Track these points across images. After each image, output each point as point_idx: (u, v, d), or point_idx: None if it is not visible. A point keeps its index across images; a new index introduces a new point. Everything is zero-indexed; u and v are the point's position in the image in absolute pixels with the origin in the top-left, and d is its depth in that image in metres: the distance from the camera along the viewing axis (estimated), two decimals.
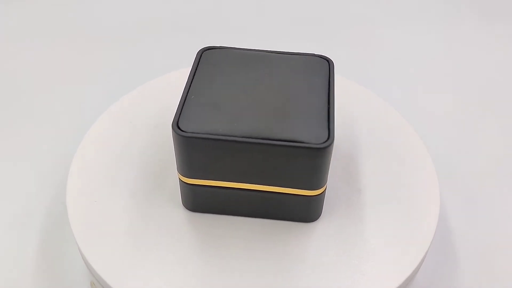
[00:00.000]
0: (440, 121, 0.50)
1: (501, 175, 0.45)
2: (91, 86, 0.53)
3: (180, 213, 0.32)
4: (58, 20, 0.62)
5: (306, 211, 0.31)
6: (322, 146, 0.27)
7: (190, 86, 0.30)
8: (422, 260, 0.30)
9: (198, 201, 0.31)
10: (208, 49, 0.33)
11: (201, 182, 0.30)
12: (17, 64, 0.55)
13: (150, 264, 0.29)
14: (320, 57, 0.33)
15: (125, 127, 0.37)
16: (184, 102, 0.29)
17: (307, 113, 0.29)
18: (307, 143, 0.27)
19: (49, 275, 0.36)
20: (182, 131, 0.28)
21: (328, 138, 0.27)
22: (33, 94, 0.52)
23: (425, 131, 0.43)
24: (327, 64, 0.32)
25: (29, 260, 0.37)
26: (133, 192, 0.33)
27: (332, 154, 0.29)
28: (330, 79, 0.31)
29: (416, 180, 0.34)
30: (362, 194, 0.33)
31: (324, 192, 0.30)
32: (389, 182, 0.34)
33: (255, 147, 0.27)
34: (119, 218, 0.31)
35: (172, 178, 0.34)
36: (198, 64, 0.32)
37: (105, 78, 0.54)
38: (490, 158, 0.46)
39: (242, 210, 0.31)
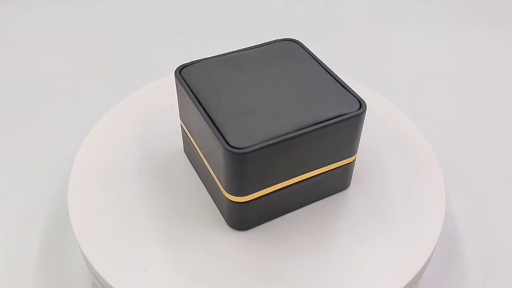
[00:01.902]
0: (446, 121, 0.49)
1: (507, 174, 0.44)
2: (93, 87, 0.53)
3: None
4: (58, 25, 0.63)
5: (343, 180, 0.32)
6: (360, 111, 0.29)
7: (201, 105, 0.28)
8: (428, 261, 0.30)
9: (248, 218, 0.30)
10: (185, 67, 0.31)
11: (254, 195, 0.28)
12: (17, 68, 0.56)
13: (151, 264, 0.29)
14: (287, 40, 0.34)
15: (126, 130, 0.37)
16: (213, 122, 0.27)
17: (326, 90, 0.30)
18: (349, 113, 0.28)
19: (51, 275, 0.36)
20: (238, 148, 0.26)
21: (360, 104, 0.29)
22: (34, 97, 0.52)
23: (431, 131, 0.43)
24: (297, 44, 0.33)
25: (30, 261, 0.37)
26: (128, 191, 0.33)
27: None
28: (314, 56, 0.32)
29: (421, 180, 0.34)
30: (366, 196, 0.33)
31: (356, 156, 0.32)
32: (394, 183, 0.34)
33: (307, 136, 0.27)
34: (119, 219, 0.31)
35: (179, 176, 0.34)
36: (186, 83, 0.30)
37: (108, 79, 0.54)
38: (496, 158, 0.46)
39: (288, 207, 0.31)
